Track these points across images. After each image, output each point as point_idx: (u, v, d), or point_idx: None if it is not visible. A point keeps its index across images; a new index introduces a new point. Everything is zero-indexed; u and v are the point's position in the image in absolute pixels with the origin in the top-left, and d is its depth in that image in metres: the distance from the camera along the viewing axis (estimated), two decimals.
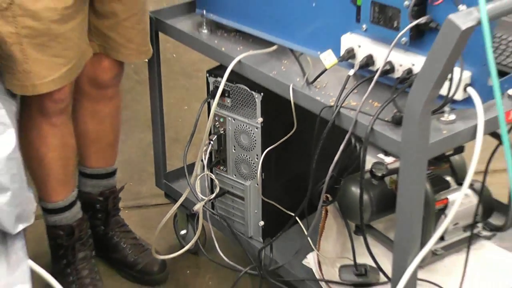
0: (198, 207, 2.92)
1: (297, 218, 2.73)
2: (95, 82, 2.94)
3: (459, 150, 2.72)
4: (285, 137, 2.72)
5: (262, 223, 2.93)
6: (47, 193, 2.93)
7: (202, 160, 2.92)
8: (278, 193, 2.91)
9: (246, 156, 2.87)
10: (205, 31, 2.84)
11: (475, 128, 2.15)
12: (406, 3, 2.17)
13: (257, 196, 2.90)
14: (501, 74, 2.33)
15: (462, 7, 2.07)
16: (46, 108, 2.75)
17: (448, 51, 1.88)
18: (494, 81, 1.96)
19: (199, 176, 2.93)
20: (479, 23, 1.83)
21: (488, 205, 2.73)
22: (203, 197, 2.92)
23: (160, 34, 3.05)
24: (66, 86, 2.72)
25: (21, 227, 2.17)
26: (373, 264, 2.61)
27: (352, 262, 2.70)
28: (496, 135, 2.30)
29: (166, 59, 3.05)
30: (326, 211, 2.78)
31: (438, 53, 1.93)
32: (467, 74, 2.18)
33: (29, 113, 2.77)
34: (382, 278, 2.66)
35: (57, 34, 2.59)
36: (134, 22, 2.88)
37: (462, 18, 1.84)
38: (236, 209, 2.97)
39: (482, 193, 2.63)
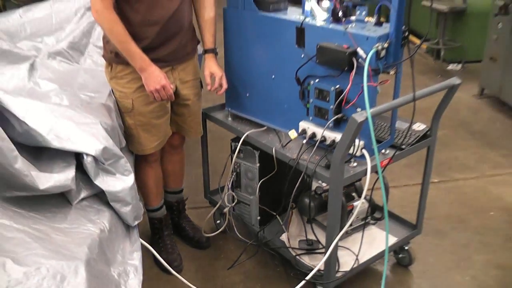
0: (226, 209, 3.03)
1: (277, 216, 2.83)
2: (171, 145, 2.95)
3: (359, 179, 2.75)
4: (270, 174, 2.77)
5: (259, 217, 2.93)
6: (149, 202, 2.96)
7: (228, 185, 2.98)
8: (267, 202, 2.90)
9: (251, 183, 2.88)
10: (229, 118, 2.91)
11: (366, 170, 2.27)
12: (331, 107, 2.32)
13: (256, 204, 2.90)
14: (379, 141, 2.46)
15: (359, 109, 2.21)
16: (147, 159, 2.80)
17: (352, 132, 2.03)
18: (374, 146, 2.23)
19: (226, 193, 3.01)
20: (367, 118, 2.10)
21: (373, 207, 2.80)
22: (228, 204, 3.02)
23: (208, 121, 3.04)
24: (157, 150, 2.80)
25: (136, 222, 2.26)
26: (316, 239, 2.74)
27: (305, 238, 2.79)
28: (376, 173, 2.35)
29: (212, 138, 3.15)
30: (292, 212, 2.89)
31: (347, 133, 2.07)
32: (362, 142, 2.29)
33: (139, 161, 2.80)
34: (321, 247, 2.74)
35: (154, 124, 2.67)
36: (194, 117, 2.87)
37: (358, 116, 2.01)
38: (246, 210, 2.98)
39: (370, 201, 2.71)
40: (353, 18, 2.38)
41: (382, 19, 2.29)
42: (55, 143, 1.94)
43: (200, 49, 2.83)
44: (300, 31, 2.42)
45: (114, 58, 2.53)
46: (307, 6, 2.47)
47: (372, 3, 2.30)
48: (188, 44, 2.70)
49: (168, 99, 2.59)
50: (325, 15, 2.42)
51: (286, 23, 2.49)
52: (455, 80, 2.45)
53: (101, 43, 2.72)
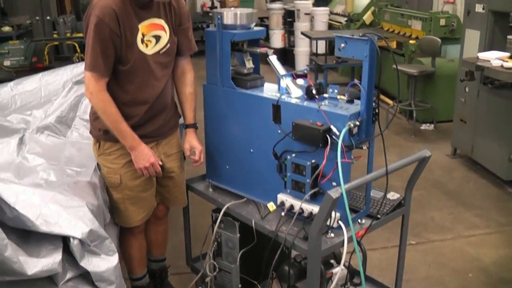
0: (208, 278, 2.97)
1: (258, 284, 2.81)
2: (156, 216, 2.94)
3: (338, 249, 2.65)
4: (250, 245, 2.72)
5: (240, 286, 2.87)
6: (132, 271, 2.94)
7: (210, 254, 2.91)
8: (248, 271, 2.85)
9: (232, 252, 2.83)
10: (210, 189, 2.90)
11: (343, 241, 2.25)
12: (308, 181, 2.34)
13: (237, 273, 2.84)
14: (355, 211, 2.49)
15: (334, 184, 2.23)
16: (132, 231, 2.79)
17: (328, 207, 2.04)
18: (349, 220, 2.23)
19: (208, 262, 2.93)
20: (341, 194, 2.14)
21: (352, 273, 2.71)
22: (210, 273, 2.95)
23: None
24: (142, 223, 2.80)
25: None
26: None
27: None
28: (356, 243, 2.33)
29: (193, 202, 3.15)
30: (272, 281, 2.76)
31: (323, 208, 2.08)
32: (338, 214, 2.30)
33: (124, 233, 2.78)
34: None
35: (141, 197, 2.68)
36: (178, 188, 2.89)
37: (334, 192, 2.02)
38: (227, 278, 2.91)
39: (349, 268, 2.64)
40: (326, 95, 2.42)
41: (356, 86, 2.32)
42: (44, 227, 1.97)
43: (180, 120, 2.89)
44: (276, 108, 2.46)
45: (103, 135, 2.57)
46: (283, 83, 2.51)
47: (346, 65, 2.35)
48: (171, 119, 2.76)
49: (156, 175, 2.62)
50: (299, 92, 2.47)
51: (263, 100, 2.54)
52: (425, 153, 2.49)
53: (87, 116, 2.78)
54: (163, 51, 2.56)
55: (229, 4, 10.71)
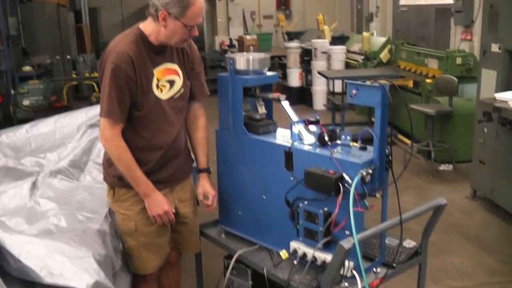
0: None
1: None
2: (168, 262, 2.86)
3: None
4: None
5: None
6: None
7: None
8: None
9: None
10: (223, 235, 2.87)
11: None
12: (320, 229, 2.31)
13: None
14: (370, 259, 2.44)
15: (347, 232, 2.20)
16: (146, 278, 2.74)
17: (340, 257, 2.00)
18: (362, 271, 2.17)
19: None
20: (354, 245, 2.09)
21: None
22: None
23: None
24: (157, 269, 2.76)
25: None
26: None
27: None
28: None
29: (204, 246, 3.10)
30: None
31: (336, 258, 2.04)
32: (351, 263, 2.25)
33: (137, 280, 2.74)
34: None
35: (156, 244, 2.65)
36: (192, 234, 2.85)
37: (346, 242, 1.97)
38: None
39: None
40: (339, 142, 2.39)
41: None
42: (48, 279, 1.95)
43: (193, 164, 2.88)
44: (288, 155, 2.44)
45: (118, 182, 2.55)
46: (295, 129, 2.49)
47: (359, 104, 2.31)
48: (185, 165, 2.76)
49: (169, 223, 2.61)
50: (312, 139, 2.44)
51: (275, 147, 2.52)
52: (441, 201, 2.44)
53: (100, 160, 2.78)
54: (177, 96, 2.57)
55: (247, 43, 10.84)
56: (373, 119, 7.54)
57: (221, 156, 2.82)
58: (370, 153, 2.28)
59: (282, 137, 2.61)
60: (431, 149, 5.91)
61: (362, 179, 2.18)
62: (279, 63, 11.03)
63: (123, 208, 2.59)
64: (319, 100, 9.22)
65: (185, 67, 2.61)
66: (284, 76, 10.32)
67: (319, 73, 7.66)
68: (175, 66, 2.56)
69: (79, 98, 7.03)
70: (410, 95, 6.75)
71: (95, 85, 6.91)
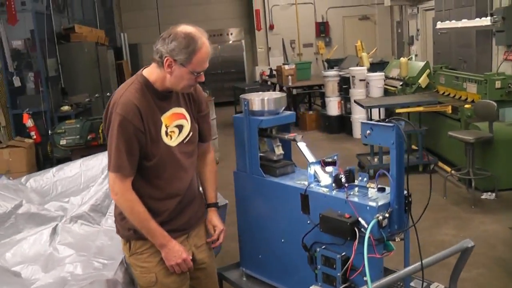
0: None
1: None
2: None
3: None
4: None
5: None
6: None
7: None
8: None
9: None
10: (244, 278, 2.84)
11: None
12: (338, 274, 2.23)
13: None
14: None
15: (365, 278, 2.11)
16: None
17: None
18: None
19: None
20: None
21: None
22: None
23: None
24: None
25: None
26: None
27: None
28: None
29: None
30: None
31: None
32: None
33: None
34: None
35: None
36: (210, 279, 2.74)
37: None
38: None
39: None
40: (356, 182, 2.31)
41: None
42: None
43: None
44: (304, 197, 2.39)
45: (133, 235, 2.49)
46: (311, 171, 2.43)
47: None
48: (199, 209, 2.70)
49: (188, 270, 2.54)
50: (328, 180, 2.37)
51: (291, 189, 2.48)
52: (467, 243, 2.31)
53: None
54: (186, 140, 2.53)
55: (286, 72, 10.83)
56: (413, 146, 7.44)
57: (239, 198, 2.79)
58: (388, 195, 2.19)
59: (300, 178, 2.55)
60: (471, 177, 5.68)
61: (379, 223, 2.10)
62: (319, 92, 10.96)
63: (140, 261, 2.51)
64: (359, 129, 9.07)
65: (192, 110, 2.58)
66: (323, 105, 10.24)
67: (355, 102, 7.55)
68: (183, 110, 2.53)
69: None
70: (449, 121, 6.55)
71: None
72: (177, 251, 2.45)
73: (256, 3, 14.23)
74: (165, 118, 2.43)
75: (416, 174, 6.51)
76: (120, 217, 2.51)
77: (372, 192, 2.25)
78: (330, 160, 2.43)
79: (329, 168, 2.42)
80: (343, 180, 2.32)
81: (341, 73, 9.84)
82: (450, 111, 6.41)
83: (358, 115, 9.08)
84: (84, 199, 3.33)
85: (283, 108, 2.70)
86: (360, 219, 2.13)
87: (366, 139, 2.20)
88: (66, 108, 7.97)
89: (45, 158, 7.67)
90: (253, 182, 2.66)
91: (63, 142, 6.87)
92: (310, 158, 2.52)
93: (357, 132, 9.16)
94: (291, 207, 2.47)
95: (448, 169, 6.44)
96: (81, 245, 2.90)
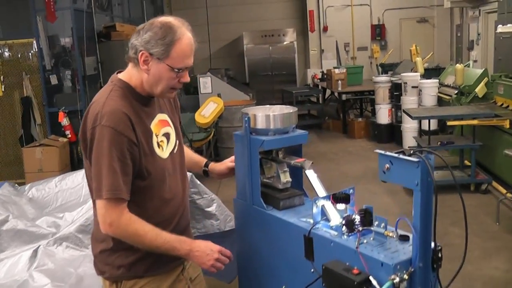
0: None
1: None
2: None
3: None
4: None
5: None
6: None
7: None
8: None
9: None
10: None
11: None
12: None
13: None
14: None
15: None
16: None
17: None
18: None
19: None
20: None
21: None
22: None
23: None
24: None
25: None
26: None
27: None
28: None
29: None
30: None
31: None
32: None
33: None
34: None
35: None
36: None
37: None
38: None
39: None
40: (373, 228, 1.82)
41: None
42: None
43: None
44: (308, 240, 1.91)
45: (126, 273, 2.04)
46: (318, 206, 1.95)
47: None
48: (191, 236, 2.26)
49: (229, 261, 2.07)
50: (338, 219, 1.89)
51: (294, 228, 2.00)
52: None
53: None
54: (175, 150, 2.13)
55: (336, 77, 10.30)
56: (466, 162, 6.76)
57: (239, 229, 2.36)
58: (411, 247, 1.68)
59: (307, 214, 2.07)
60: None
61: (394, 286, 1.59)
62: (370, 99, 10.36)
63: None
64: (409, 139, 8.43)
65: (174, 115, 2.19)
66: (373, 113, 9.65)
67: (404, 111, 6.96)
68: (166, 117, 2.12)
69: None
70: (506, 137, 5.87)
71: None
72: (205, 247, 2.02)
73: (310, 3, 13.66)
74: (153, 126, 2.02)
75: (467, 194, 5.89)
76: (106, 254, 2.06)
77: (392, 241, 1.75)
78: (343, 195, 1.93)
79: (341, 206, 1.93)
80: (357, 222, 1.83)
81: (393, 79, 9.22)
82: (507, 126, 5.74)
83: (409, 125, 8.45)
84: (76, 217, 2.96)
85: (294, 126, 2.23)
86: (371, 277, 1.64)
87: (384, 175, 1.69)
88: None
89: (79, 158, 7.46)
90: (253, 214, 2.20)
91: None
92: (320, 190, 2.04)
93: (407, 142, 8.54)
94: (294, 249, 2.00)
95: (504, 190, 5.77)
96: (60, 273, 2.52)
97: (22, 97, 7.56)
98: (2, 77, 7.45)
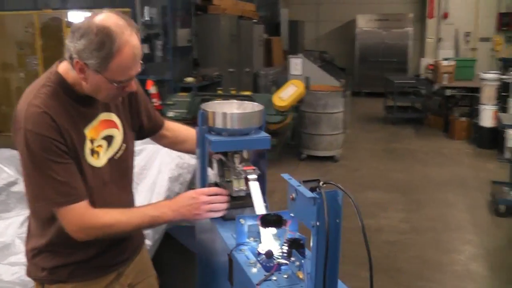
0: None
1: None
2: None
3: None
4: None
5: None
6: None
7: None
8: None
9: None
10: None
11: None
12: None
13: None
14: None
15: None
16: None
17: None
18: None
19: None
20: None
21: None
22: None
23: None
24: None
25: None
26: None
27: None
28: None
29: None
30: None
31: None
32: None
33: None
34: None
35: None
36: None
37: None
38: None
39: None
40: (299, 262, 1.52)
41: None
42: None
43: None
44: (230, 261, 1.66)
45: (47, 276, 1.88)
46: (241, 225, 1.69)
47: None
48: (136, 235, 2.07)
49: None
50: (273, 242, 1.61)
51: (223, 243, 1.76)
52: None
53: None
54: (118, 155, 1.90)
55: (442, 69, 9.51)
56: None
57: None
58: None
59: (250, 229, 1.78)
60: None
61: None
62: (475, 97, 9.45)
63: None
64: None
65: (126, 113, 1.94)
66: (475, 114, 8.78)
67: (497, 114, 6.21)
68: (113, 116, 1.88)
69: None
70: None
71: None
72: (185, 197, 1.84)
73: None
74: (90, 130, 1.79)
75: None
76: (32, 253, 1.91)
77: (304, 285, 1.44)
78: (274, 217, 1.62)
79: (271, 231, 1.63)
80: (277, 254, 1.53)
81: (503, 77, 8.29)
82: None
83: None
84: None
85: (258, 127, 1.94)
86: None
87: (291, 205, 1.37)
88: (189, 79, 7.77)
89: None
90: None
91: (170, 114, 6.68)
92: (259, 207, 1.74)
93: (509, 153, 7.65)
94: (223, 266, 1.74)
95: None
96: None
97: None
98: None
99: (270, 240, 1.63)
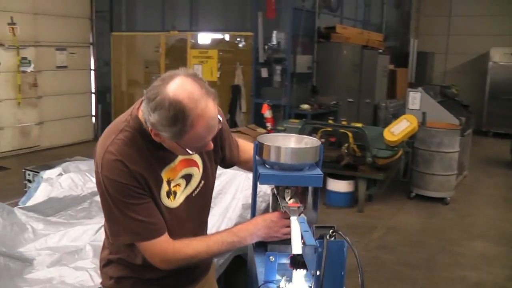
0: None
1: None
2: None
3: None
4: None
5: None
6: None
7: None
8: None
9: None
10: None
11: None
12: None
13: None
14: None
15: None
16: None
17: None
18: None
19: None
20: None
21: None
22: None
23: None
24: None
25: None
26: None
27: None
28: None
29: None
30: None
31: None
32: None
33: None
34: None
35: None
36: None
37: None
38: None
39: None
40: None
41: None
42: None
43: None
44: None
45: (115, 285, 1.99)
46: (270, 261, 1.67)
47: None
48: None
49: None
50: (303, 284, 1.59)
51: (256, 280, 1.73)
52: None
53: None
54: (196, 192, 1.92)
55: None
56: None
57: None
58: None
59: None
60: None
61: None
62: None
63: None
64: None
65: (210, 152, 1.95)
66: None
67: None
68: (194, 156, 1.90)
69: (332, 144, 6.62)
70: None
71: (350, 134, 6.42)
72: (264, 220, 1.88)
73: None
74: (167, 172, 1.83)
75: None
76: (103, 262, 2.02)
77: None
78: (300, 259, 1.58)
79: (299, 273, 1.59)
80: None
81: None
82: None
83: None
84: None
85: (313, 163, 1.91)
86: None
87: (303, 250, 1.34)
88: (305, 106, 7.79)
89: None
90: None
91: None
92: (296, 246, 1.70)
93: None
94: None
95: None
96: None
97: (232, 85, 8.05)
98: (219, 64, 8.03)
99: (300, 281, 1.60)
